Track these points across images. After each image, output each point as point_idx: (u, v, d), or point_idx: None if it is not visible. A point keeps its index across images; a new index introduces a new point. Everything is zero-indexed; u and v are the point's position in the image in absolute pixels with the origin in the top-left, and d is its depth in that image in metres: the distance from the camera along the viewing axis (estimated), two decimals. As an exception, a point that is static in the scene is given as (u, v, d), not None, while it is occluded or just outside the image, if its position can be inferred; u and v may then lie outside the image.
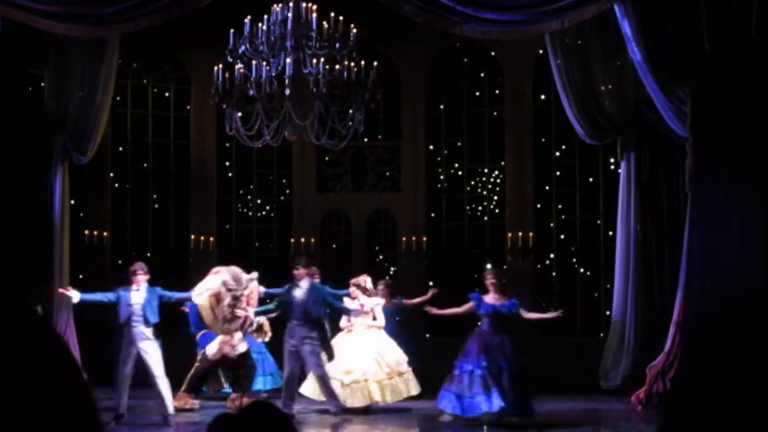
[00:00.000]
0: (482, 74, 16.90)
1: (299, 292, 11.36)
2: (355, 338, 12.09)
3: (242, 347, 11.90)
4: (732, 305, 10.32)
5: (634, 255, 13.62)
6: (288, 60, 11.28)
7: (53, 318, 13.51)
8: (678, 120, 11.95)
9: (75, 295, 11.05)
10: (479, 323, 11.04)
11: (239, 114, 12.12)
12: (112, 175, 16.55)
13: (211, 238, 16.78)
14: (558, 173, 16.23)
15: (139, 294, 10.77)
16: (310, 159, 17.06)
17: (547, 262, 16.26)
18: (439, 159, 17.08)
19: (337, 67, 11.46)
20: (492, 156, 16.77)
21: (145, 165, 16.92)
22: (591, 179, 15.90)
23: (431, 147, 17.06)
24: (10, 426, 1.24)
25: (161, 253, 16.31)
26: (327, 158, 17.02)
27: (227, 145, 16.72)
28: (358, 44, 11.54)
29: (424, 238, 16.72)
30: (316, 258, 16.42)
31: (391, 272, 16.60)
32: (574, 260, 16.11)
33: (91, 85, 14.07)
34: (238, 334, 11.81)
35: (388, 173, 17.21)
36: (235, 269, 12.03)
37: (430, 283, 15.23)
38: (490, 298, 10.89)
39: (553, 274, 16.19)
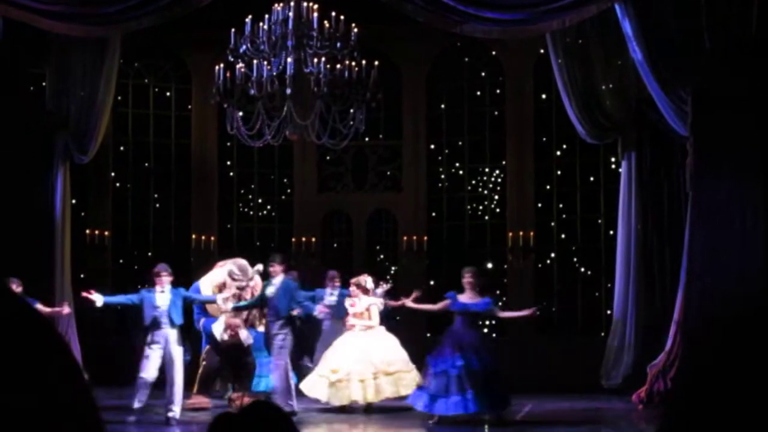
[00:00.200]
0: (483, 74, 16.89)
1: (271, 289, 11.38)
2: (352, 338, 12.08)
3: (249, 340, 11.89)
4: (733, 304, 10.30)
5: (635, 254, 13.60)
6: (289, 59, 11.29)
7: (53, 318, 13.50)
8: (679, 119, 11.94)
9: (98, 299, 10.98)
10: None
11: (240, 113, 12.12)
12: (113, 174, 16.55)
13: (213, 238, 16.77)
14: (559, 172, 16.21)
15: (164, 296, 10.71)
16: (311, 158, 17.05)
17: (548, 261, 16.24)
18: (440, 158, 17.07)
19: (338, 66, 11.47)
20: (493, 155, 16.76)
21: (146, 164, 16.91)
22: (592, 178, 15.88)
23: (432, 146, 17.05)
24: (10, 426, 1.24)
25: (162, 252, 16.26)
26: (328, 158, 17.01)
27: (228, 144, 16.70)
28: (359, 44, 11.54)
29: (425, 238, 16.70)
30: (317, 257, 16.44)
31: (392, 272, 16.60)
32: (575, 259, 16.09)
33: (92, 85, 14.06)
34: (244, 332, 11.81)
35: (389, 173, 17.20)
36: (242, 261, 12.06)
37: (431, 283, 15.21)
38: (465, 297, 10.92)
39: (554, 273, 16.20)
